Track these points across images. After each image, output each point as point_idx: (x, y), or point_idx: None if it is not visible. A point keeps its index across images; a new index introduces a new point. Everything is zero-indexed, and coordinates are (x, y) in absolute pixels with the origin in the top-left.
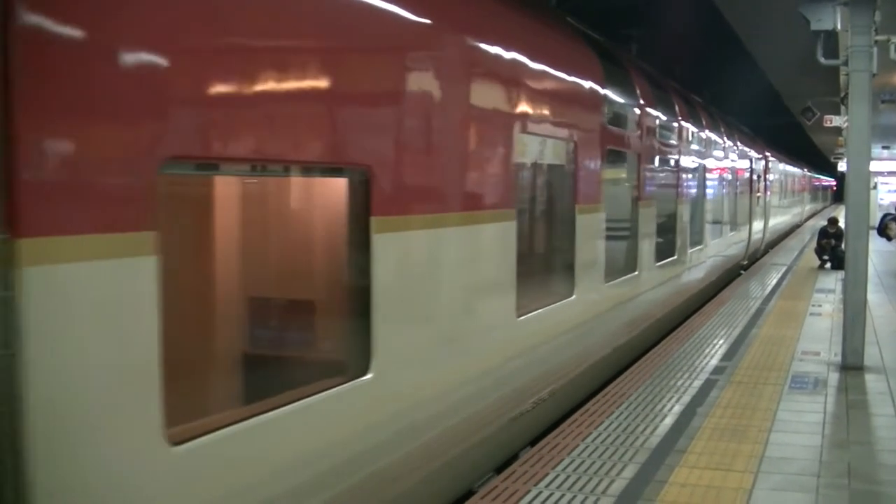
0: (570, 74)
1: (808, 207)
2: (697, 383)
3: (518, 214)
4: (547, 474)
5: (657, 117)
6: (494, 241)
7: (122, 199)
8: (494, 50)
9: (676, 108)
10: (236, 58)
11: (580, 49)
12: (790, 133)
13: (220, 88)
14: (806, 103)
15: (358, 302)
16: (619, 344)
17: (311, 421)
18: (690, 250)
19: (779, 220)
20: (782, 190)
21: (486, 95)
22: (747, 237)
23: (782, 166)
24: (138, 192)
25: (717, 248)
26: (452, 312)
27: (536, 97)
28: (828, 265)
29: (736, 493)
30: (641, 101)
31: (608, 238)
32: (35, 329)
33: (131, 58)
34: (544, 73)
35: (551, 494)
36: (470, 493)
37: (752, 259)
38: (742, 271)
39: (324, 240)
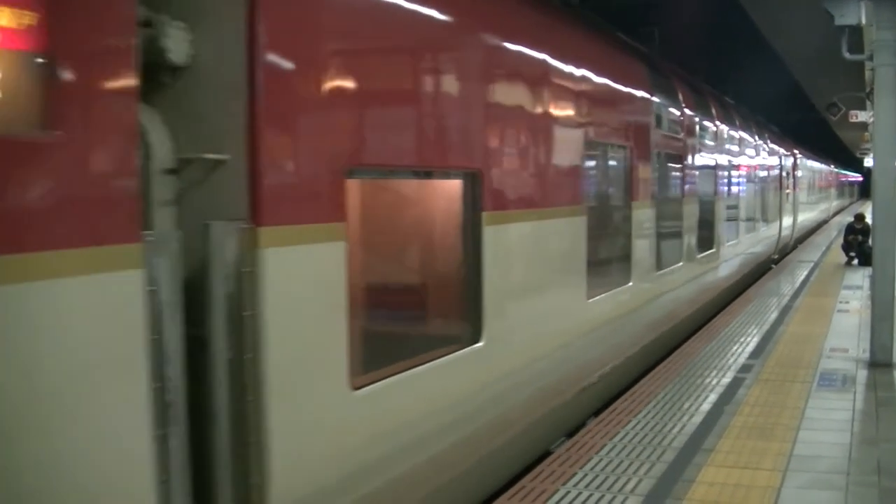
0: (626, 87)
1: (835, 204)
2: (725, 381)
3: (587, 210)
4: (575, 473)
5: (697, 121)
6: (570, 233)
7: (323, 198)
8: (569, 70)
9: (713, 111)
10: (400, 100)
11: (632, 63)
12: (815, 129)
13: (385, 117)
14: (831, 99)
15: (473, 282)
16: (667, 329)
17: (439, 378)
18: (727, 244)
19: (807, 217)
20: (810, 187)
21: (563, 112)
22: (777, 233)
23: (809, 163)
24: (333, 192)
25: (751, 243)
26: (540, 294)
27: (601, 110)
28: (855, 261)
29: (764, 491)
30: (683, 107)
31: (657, 232)
32: (270, 295)
33: (332, 96)
34: (607, 88)
35: (580, 494)
36: (547, 454)
37: (783, 254)
38: (773, 265)
39: (452, 231)
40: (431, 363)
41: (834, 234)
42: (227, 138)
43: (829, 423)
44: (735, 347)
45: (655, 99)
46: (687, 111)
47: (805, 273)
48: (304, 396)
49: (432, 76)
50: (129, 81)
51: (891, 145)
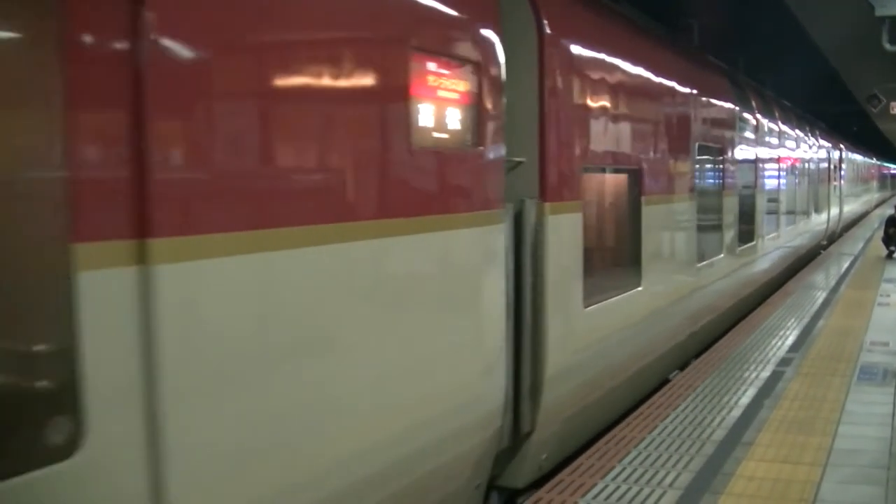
0: (720, 101)
1: (877, 196)
2: (765, 374)
3: (696, 197)
4: (613, 467)
5: (766, 124)
6: (687, 214)
7: (573, 185)
8: (688, 92)
9: (776, 114)
10: (606, 122)
11: (722, 81)
12: (855, 121)
13: (599, 134)
14: (872, 90)
15: (636, 244)
16: (746, 294)
17: (622, 309)
18: (786, 228)
19: (851, 209)
20: (854, 179)
21: (686, 125)
22: (826, 222)
23: (853, 156)
24: (576, 182)
25: (805, 229)
26: (670, 257)
27: (707, 121)
28: (895, 254)
29: (804, 485)
30: (756, 113)
31: (739, 216)
32: (549, 245)
33: (577, 120)
34: (710, 104)
35: (618, 487)
36: (666, 381)
37: (830, 241)
38: (821, 251)
39: (626, 209)
40: (618, 297)
41: (875, 225)
42: (524, 147)
43: (870, 417)
44: (774, 340)
45: (737, 108)
46: (759, 117)
47: (845, 266)
48: (564, 308)
49: (623, 107)
50: (499, 112)
51: None
